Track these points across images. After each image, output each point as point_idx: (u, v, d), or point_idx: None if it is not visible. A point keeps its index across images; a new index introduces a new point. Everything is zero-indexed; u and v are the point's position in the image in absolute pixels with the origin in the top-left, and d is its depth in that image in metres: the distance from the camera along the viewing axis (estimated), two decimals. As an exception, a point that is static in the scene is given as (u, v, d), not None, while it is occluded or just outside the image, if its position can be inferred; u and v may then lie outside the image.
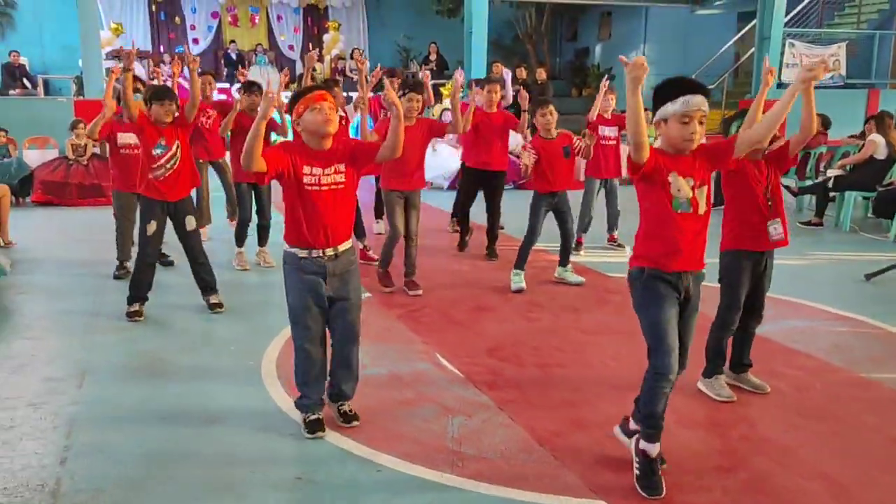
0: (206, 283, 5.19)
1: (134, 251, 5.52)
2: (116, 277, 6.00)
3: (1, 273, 5.84)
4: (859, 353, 4.52)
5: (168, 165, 4.96)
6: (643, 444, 2.91)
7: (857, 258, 6.98)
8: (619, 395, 3.83)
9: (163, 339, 4.65)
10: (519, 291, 5.66)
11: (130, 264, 5.80)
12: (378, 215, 7.63)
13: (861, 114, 12.83)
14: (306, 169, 3.22)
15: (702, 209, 2.91)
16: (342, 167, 3.28)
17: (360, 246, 6.51)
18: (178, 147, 5.00)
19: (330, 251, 3.27)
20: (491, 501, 2.86)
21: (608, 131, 6.95)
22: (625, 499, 2.87)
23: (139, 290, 5.04)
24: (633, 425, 3.06)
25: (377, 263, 5.82)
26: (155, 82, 7.26)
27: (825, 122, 10.14)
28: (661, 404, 2.86)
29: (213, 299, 5.19)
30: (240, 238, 6.38)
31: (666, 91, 2.86)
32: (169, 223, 5.05)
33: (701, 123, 2.83)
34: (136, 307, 5.01)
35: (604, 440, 3.33)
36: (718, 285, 3.73)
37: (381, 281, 5.71)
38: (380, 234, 7.36)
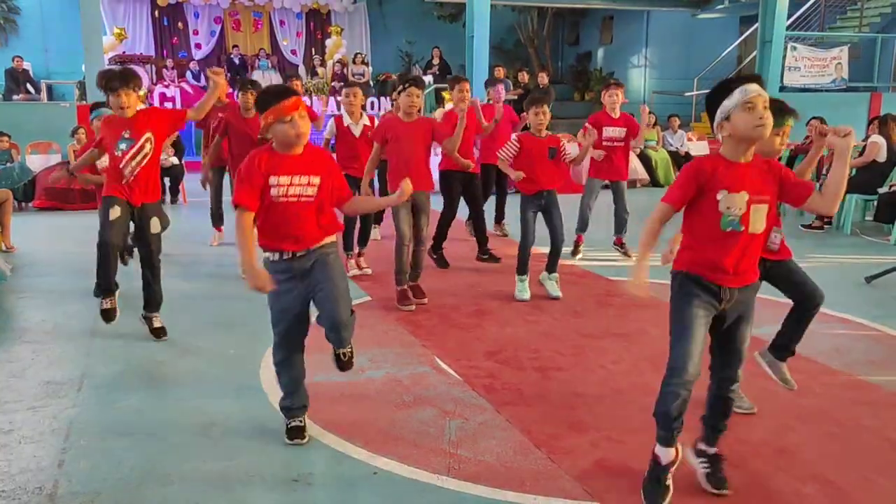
0: (153, 297, 4.70)
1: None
2: (96, 294, 5.43)
3: (1, 278, 5.85)
4: (859, 356, 4.51)
5: (134, 163, 4.38)
6: (657, 448, 2.84)
7: (857, 261, 6.98)
8: (619, 399, 3.84)
9: (162, 344, 4.66)
10: (523, 301, 5.57)
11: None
12: (376, 220, 7.42)
13: (864, 117, 12.83)
14: (272, 180, 3.10)
15: (755, 228, 2.70)
16: (316, 180, 3.15)
17: (354, 253, 6.34)
18: (147, 141, 4.39)
19: (300, 252, 3.18)
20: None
21: (613, 132, 6.77)
22: (621, 502, 2.87)
23: (104, 280, 4.53)
24: (701, 445, 3.00)
25: (395, 281, 5.42)
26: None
27: (823, 125, 10.12)
28: (676, 405, 2.72)
29: (157, 322, 4.71)
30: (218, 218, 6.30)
31: (719, 92, 2.73)
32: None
33: (766, 108, 2.63)
34: (107, 303, 4.54)
35: (601, 443, 3.33)
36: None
37: (399, 300, 5.37)
38: (375, 239, 7.26)
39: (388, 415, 3.63)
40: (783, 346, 3.65)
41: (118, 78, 4.35)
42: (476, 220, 6.84)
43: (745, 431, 3.45)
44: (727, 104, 2.68)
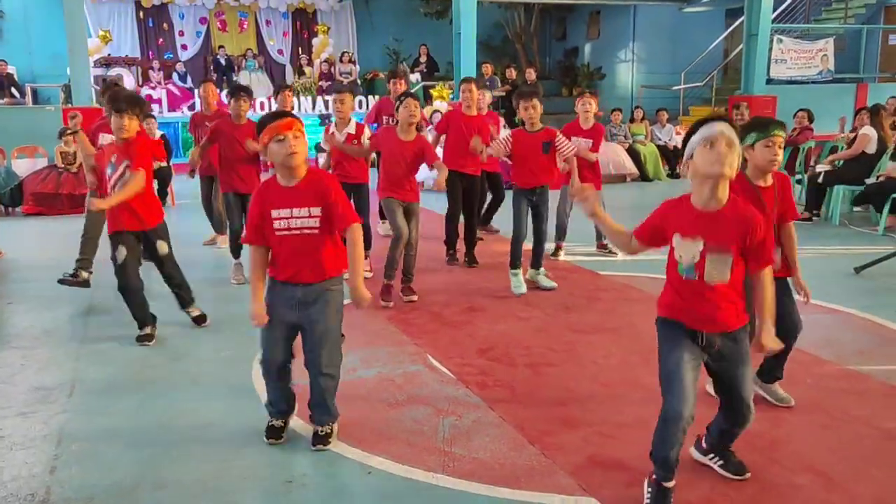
0: (181, 296, 4.98)
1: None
2: (60, 281, 5.59)
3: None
4: (849, 347, 4.53)
5: (116, 188, 4.51)
6: (656, 478, 2.76)
7: (846, 251, 7.01)
8: (611, 394, 3.85)
9: (153, 348, 4.64)
10: (520, 295, 5.58)
11: (87, 274, 5.69)
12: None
13: (850, 108, 12.88)
14: (274, 213, 3.11)
15: (710, 279, 2.59)
16: (316, 211, 3.12)
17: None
18: (127, 168, 4.46)
19: (305, 284, 3.18)
20: (482, 501, 2.87)
21: (583, 143, 6.63)
22: (616, 496, 2.87)
23: (139, 317, 4.72)
24: (705, 444, 3.02)
25: (384, 275, 5.47)
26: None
27: (810, 116, 10.19)
28: (675, 450, 2.65)
29: (195, 312, 5.02)
30: (235, 250, 6.13)
31: (692, 132, 2.66)
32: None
33: (729, 147, 2.52)
34: (147, 330, 4.72)
35: (594, 438, 3.34)
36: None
37: (381, 294, 5.41)
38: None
39: (381, 414, 3.63)
40: (769, 371, 3.66)
41: (126, 100, 4.49)
42: (468, 219, 6.85)
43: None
44: (692, 141, 2.62)
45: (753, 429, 3.37)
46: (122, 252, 4.53)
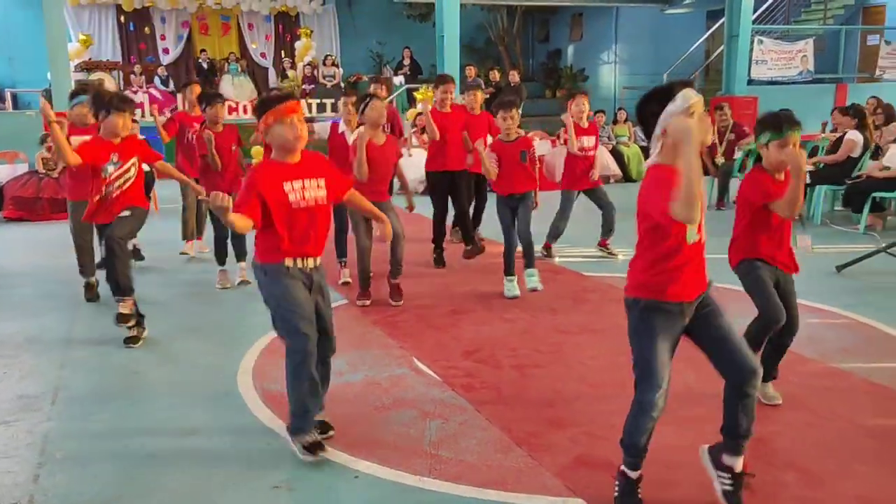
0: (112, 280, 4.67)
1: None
2: (89, 300, 5.70)
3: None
4: (831, 344, 4.58)
5: (117, 184, 4.61)
6: (622, 467, 2.80)
7: (828, 250, 7.07)
8: (598, 395, 3.87)
9: (137, 354, 4.60)
10: (513, 298, 5.60)
11: (95, 278, 5.71)
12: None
13: (830, 107, 12.99)
14: (286, 186, 3.10)
15: (704, 232, 2.70)
16: (323, 182, 3.21)
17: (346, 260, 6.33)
18: (133, 165, 4.67)
19: (318, 260, 3.22)
20: (469, 503, 2.87)
21: (587, 141, 6.73)
22: (602, 497, 2.88)
23: (124, 281, 4.60)
24: (726, 461, 2.83)
25: (360, 286, 5.55)
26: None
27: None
28: (645, 437, 2.72)
29: (123, 308, 4.66)
30: (220, 256, 6.05)
31: (656, 98, 2.64)
32: None
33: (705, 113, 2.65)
34: (127, 303, 4.62)
35: (580, 438, 3.35)
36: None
37: (358, 297, 5.52)
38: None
39: (367, 418, 3.62)
40: (765, 370, 3.54)
41: (126, 101, 4.73)
42: (461, 217, 6.87)
43: (720, 422, 3.47)
44: (672, 109, 2.57)
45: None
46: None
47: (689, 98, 2.59)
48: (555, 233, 6.91)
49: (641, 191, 2.66)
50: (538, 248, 6.42)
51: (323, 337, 3.26)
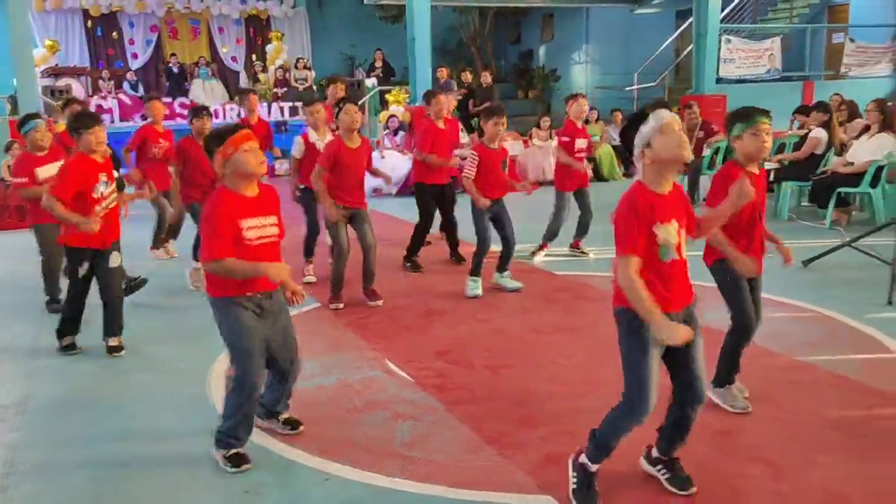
0: (113, 326, 4.70)
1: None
2: (53, 311, 5.47)
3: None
4: (797, 338, 4.65)
5: (105, 203, 4.50)
6: (583, 459, 2.84)
7: (794, 245, 7.12)
8: (570, 393, 3.90)
9: (107, 362, 4.56)
10: (475, 297, 5.66)
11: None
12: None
13: (797, 104, 13.18)
14: (245, 223, 3.05)
15: (684, 251, 2.74)
16: (275, 219, 3.18)
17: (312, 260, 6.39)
18: (116, 182, 4.64)
19: (272, 292, 3.18)
20: (441, 503, 2.88)
21: (583, 143, 6.77)
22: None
23: (73, 326, 4.70)
24: (655, 453, 2.99)
25: (331, 289, 5.52)
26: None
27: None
28: (619, 440, 2.78)
29: (113, 342, 4.69)
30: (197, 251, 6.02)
31: (634, 122, 2.73)
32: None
33: (682, 131, 2.70)
34: (68, 340, 4.69)
35: (550, 437, 3.38)
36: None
37: (330, 301, 5.48)
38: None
39: (339, 420, 3.63)
40: (726, 374, 3.67)
41: (91, 116, 4.62)
42: (448, 225, 6.93)
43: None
44: (644, 132, 2.66)
45: (704, 421, 3.44)
46: (85, 267, 4.52)
47: (661, 118, 2.66)
48: (550, 234, 6.95)
49: (618, 208, 2.71)
50: (533, 248, 6.79)
51: (284, 364, 3.30)
